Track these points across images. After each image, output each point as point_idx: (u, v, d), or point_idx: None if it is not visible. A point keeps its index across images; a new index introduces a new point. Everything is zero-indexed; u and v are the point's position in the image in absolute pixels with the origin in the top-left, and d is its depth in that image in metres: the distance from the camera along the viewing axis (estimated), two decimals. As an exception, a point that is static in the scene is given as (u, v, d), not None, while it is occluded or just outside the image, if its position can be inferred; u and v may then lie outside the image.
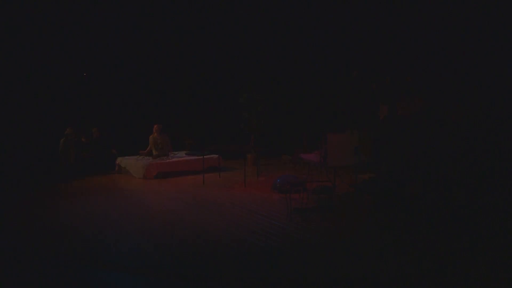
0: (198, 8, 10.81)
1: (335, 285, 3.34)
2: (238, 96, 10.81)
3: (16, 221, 5.45)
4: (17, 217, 5.68)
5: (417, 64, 8.03)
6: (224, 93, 12.71)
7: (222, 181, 8.21)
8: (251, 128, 10.74)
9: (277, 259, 3.86)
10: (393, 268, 3.60)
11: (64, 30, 10.04)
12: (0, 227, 5.19)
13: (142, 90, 11.91)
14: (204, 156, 8.56)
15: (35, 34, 9.63)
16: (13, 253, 4.21)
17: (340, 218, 5.22)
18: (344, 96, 9.97)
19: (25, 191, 7.53)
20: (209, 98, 12.91)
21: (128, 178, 8.75)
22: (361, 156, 6.03)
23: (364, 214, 5.41)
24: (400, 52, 8.36)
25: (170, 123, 11.05)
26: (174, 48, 11.97)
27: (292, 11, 10.54)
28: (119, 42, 11.11)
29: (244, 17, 11.29)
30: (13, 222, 5.41)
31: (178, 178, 8.67)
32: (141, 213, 5.81)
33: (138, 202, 6.51)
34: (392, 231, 4.68)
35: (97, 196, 6.94)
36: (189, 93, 12.58)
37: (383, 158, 6.54)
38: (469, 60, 6.98)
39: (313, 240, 4.41)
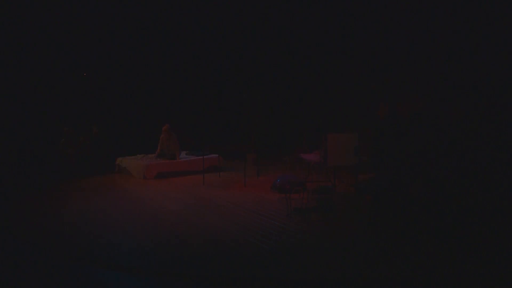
0: (198, 7, 10.81)
1: (335, 285, 3.34)
2: (238, 96, 10.81)
3: (16, 221, 5.45)
4: (17, 216, 5.68)
5: (417, 64, 8.03)
6: (224, 93, 12.71)
7: (222, 181, 8.21)
8: (251, 128, 10.74)
9: (277, 259, 3.86)
10: (393, 268, 3.60)
11: (65, 29, 10.04)
12: (0, 227, 5.19)
13: (142, 90, 11.91)
14: (204, 156, 8.56)
15: (35, 34, 9.63)
16: (13, 253, 4.21)
17: (340, 218, 5.22)
18: (344, 95, 9.98)
19: (25, 191, 7.52)
20: (209, 98, 12.90)
21: (128, 178, 8.75)
22: (361, 156, 6.04)
23: (364, 214, 5.41)
24: (400, 52, 8.36)
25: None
26: (174, 47, 11.97)
27: (292, 11, 10.54)
28: (118, 42, 11.11)
29: (244, 17, 11.29)
30: (13, 222, 5.41)
31: (178, 178, 8.68)
32: (141, 213, 5.81)
33: (138, 202, 6.51)
34: (392, 231, 4.68)
35: (97, 196, 6.94)
36: (189, 93, 12.58)
37: (383, 158, 6.54)
38: (468, 60, 6.98)
39: (313, 240, 4.42)
